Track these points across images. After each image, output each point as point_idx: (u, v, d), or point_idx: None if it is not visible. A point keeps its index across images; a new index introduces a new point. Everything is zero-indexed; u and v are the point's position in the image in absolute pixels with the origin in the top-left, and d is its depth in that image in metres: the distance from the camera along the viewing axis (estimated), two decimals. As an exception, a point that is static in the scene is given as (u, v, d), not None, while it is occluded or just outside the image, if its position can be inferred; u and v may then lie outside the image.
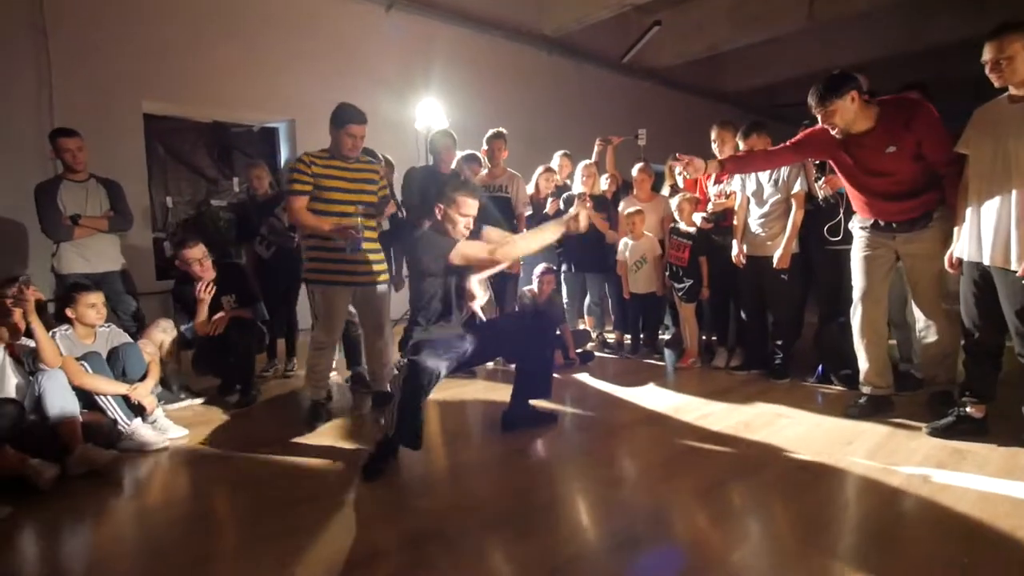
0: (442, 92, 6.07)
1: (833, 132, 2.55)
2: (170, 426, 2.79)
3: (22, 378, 2.54)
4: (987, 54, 2.20)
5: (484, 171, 4.13)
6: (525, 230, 4.06)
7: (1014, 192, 2.17)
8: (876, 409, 2.75)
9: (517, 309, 3.94)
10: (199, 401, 3.34)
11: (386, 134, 5.11)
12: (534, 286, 3.99)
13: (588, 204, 4.19)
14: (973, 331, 2.42)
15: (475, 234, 2.59)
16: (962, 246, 2.38)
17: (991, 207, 2.24)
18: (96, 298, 2.87)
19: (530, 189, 4.30)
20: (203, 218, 5.02)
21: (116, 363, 2.85)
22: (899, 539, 1.76)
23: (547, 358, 2.79)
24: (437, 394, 2.71)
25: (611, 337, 4.60)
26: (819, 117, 2.54)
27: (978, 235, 2.30)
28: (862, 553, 1.69)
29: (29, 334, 2.49)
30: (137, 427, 2.65)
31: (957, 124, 2.42)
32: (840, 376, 3.25)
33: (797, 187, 3.27)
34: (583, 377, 3.77)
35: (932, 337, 2.67)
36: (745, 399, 3.13)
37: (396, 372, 2.57)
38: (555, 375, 2.95)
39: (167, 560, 1.77)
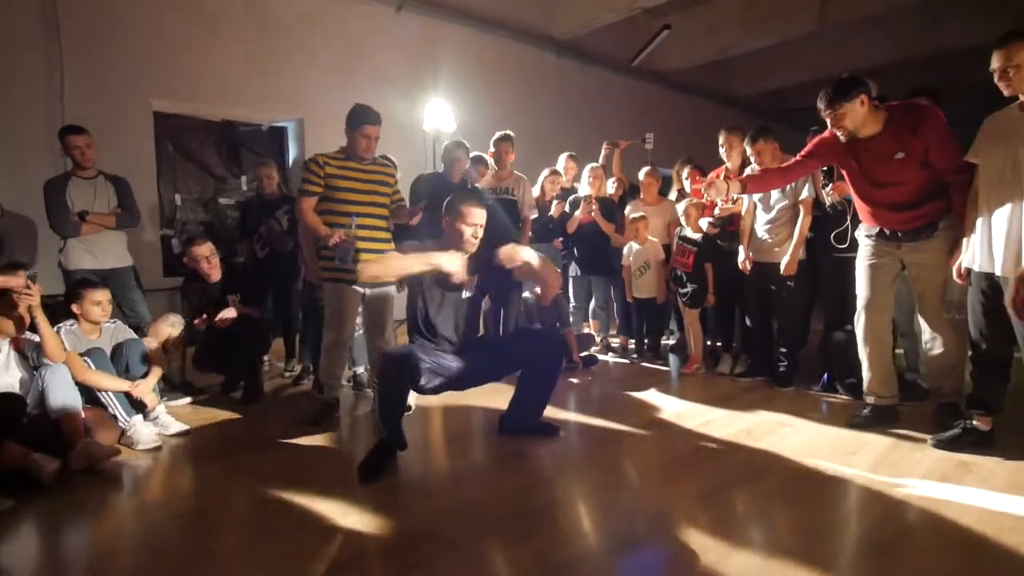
0: (450, 93, 6.07)
1: (840, 136, 2.53)
2: (172, 422, 2.81)
3: (26, 372, 2.55)
4: (995, 62, 2.17)
5: (490, 173, 4.14)
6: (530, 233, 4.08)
7: (1026, 201, 2.13)
8: (880, 419, 2.72)
9: (523, 310, 3.91)
10: (201, 398, 3.36)
11: (395, 135, 5.11)
12: (538, 288, 3.97)
13: (594, 206, 4.24)
14: (981, 342, 2.38)
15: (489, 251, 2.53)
16: (971, 256, 2.34)
17: (1002, 217, 2.20)
18: (102, 296, 2.90)
19: (535, 192, 4.30)
20: (211, 216, 5.05)
21: (120, 359, 2.87)
22: (900, 551, 1.73)
23: (552, 382, 2.72)
24: (437, 397, 2.70)
25: (615, 341, 4.59)
26: (828, 120, 2.52)
27: (989, 245, 2.25)
28: (862, 564, 1.67)
29: (34, 328, 2.52)
30: (137, 424, 2.67)
31: (966, 130, 2.39)
32: (846, 385, 3.22)
33: (805, 193, 3.24)
34: (586, 381, 3.75)
35: (938, 348, 2.63)
36: (749, 406, 3.11)
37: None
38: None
39: (167, 555, 1.78)
